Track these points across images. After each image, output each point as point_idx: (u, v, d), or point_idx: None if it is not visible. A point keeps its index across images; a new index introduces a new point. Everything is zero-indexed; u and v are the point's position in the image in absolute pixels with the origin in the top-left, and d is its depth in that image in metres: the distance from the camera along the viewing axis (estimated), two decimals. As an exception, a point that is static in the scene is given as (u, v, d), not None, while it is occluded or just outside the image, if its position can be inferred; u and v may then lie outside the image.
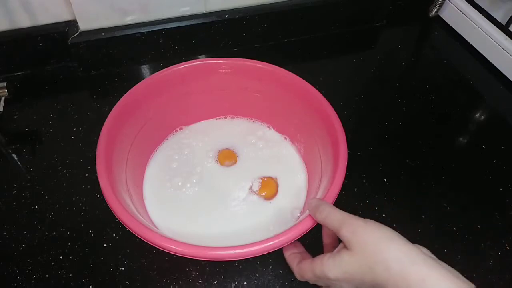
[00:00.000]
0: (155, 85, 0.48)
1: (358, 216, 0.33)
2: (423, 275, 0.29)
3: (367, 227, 0.32)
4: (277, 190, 0.49)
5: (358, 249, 0.32)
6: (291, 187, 0.49)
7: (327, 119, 0.45)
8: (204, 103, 0.54)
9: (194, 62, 0.49)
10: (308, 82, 0.48)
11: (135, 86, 0.47)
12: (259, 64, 0.49)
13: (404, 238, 0.32)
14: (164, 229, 0.45)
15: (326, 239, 0.39)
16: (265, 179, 0.49)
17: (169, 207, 0.47)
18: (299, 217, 0.45)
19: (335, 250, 0.34)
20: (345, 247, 0.33)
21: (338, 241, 0.35)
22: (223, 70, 0.50)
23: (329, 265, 0.33)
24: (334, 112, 0.45)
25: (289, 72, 0.49)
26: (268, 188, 0.49)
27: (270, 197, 0.48)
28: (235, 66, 0.50)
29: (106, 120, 0.43)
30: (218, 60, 0.50)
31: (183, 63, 0.49)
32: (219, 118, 0.56)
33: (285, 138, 0.54)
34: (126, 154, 0.46)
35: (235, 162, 0.52)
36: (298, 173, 0.51)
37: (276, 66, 0.49)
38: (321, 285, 0.36)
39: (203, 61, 0.50)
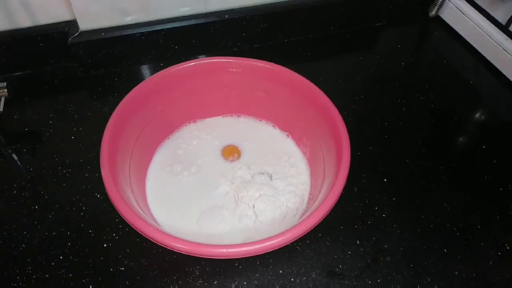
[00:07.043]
0: (164, 81, 0.48)
1: None
2: None
3: None
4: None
5: None
6: (294, 185, 0.49)
7: (334, 127, 0.44)
8: (212, 101, 0.54)
9: (204, 60, 0.50)
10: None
11: (143, 82, 0.47)
12: (268, 65, 0.49)
13: None
14: (158, 215, 0.46)
15: None
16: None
17: (164, 193, 0.48)
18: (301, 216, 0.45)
19: None
20: None
21: None
22: (233, 69, 0.50)
23: None
24: (341, 120, 0.44)
25: (299, 75, 0.48)
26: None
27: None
28: (244, 66, 0.50)
29: (112, 115, 0.44)
30: (228, 59, 0.50)
31: (192, 60, 0.49)
32: (225, 116, 0.56)
33: (292, 139, 0.54)
34: (133, 143, 0.47)
35: (239, 157, 0.52)
36: (301, 173, 0.51)
37: (286, 68, 0.49)
38: None
39: (213, 59, 0.50)
